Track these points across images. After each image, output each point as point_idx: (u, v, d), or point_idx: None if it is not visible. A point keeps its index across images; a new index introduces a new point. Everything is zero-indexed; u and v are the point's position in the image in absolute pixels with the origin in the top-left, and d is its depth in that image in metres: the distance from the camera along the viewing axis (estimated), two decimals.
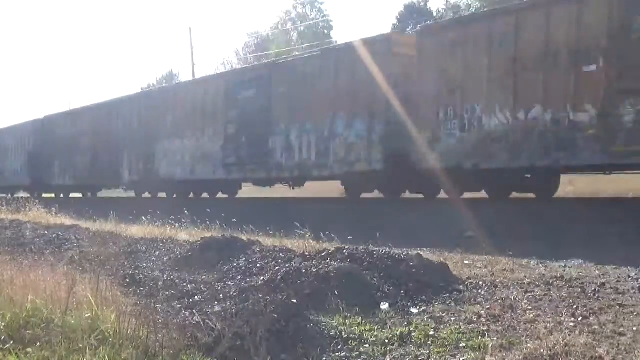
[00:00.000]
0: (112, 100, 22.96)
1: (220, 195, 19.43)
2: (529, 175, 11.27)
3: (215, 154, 16.98)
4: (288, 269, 5.49)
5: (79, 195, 25.57)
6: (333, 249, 6.39)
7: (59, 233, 10.73)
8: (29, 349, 3.77)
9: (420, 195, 13.42)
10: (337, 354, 3.87)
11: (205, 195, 19.44)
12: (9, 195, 26.95)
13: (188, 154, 18.14)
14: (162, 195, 20.68)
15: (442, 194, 12.82)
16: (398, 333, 4.15)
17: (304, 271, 5.36)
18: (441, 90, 11.50)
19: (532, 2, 10.43)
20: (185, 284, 5.84)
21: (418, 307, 4.84)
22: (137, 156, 20.46)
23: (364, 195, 15.05)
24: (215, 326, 3.98)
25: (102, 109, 22.72)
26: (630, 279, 5.72)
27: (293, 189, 16.25)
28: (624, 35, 9.06)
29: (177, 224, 10.41)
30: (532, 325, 4.18)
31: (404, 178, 12.80)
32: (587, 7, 9.48)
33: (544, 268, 6.44)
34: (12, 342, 3.89)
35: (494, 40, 10.67)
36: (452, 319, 4.50)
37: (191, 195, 19.53)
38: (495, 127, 10.62)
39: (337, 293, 4.90)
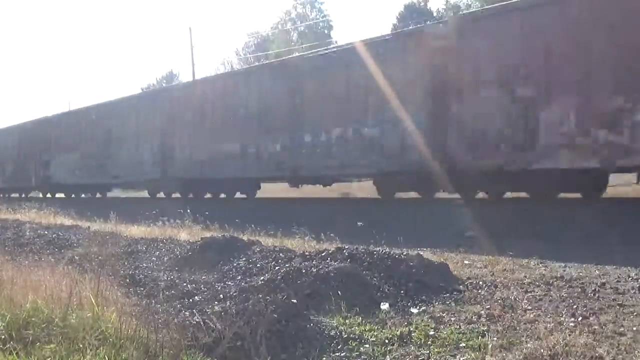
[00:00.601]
0: (28, 123, 29.71)
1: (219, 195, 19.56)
2: None
3: None
4: (288, 269, 5.49)
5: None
6: (333, 249, 6.40)
7: (59, 233, 10.73)
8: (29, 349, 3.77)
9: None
10: (337, 354, 3.88)
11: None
12: None
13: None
14: (162, 195, 20.98)
15: (442, 194, 12.81)
16: (398, 333, 4.15)
17: (304, 271, 5.36)
18: None
19: None
20: (185, 284, 5.83)
21: (418, 307, 4.84)
22: (38, 165, 26.92)
23: (364, 195, 15.06)
24: (215, 326, 3.98)
25: (24, 128, 29.36)
26: (630, 279, 5.73)
27: None
28: None
29: (172, 223, 10.42)
30: (532, 325, 4.18)
31: None
32: None
33: (544, 268, 6.45)
34: (12, 342, 3.89)
35: None
36: (452, 319, 4.50)
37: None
38: None
39: (337, 293, 4.90)
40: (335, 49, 16.89)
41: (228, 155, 16.52)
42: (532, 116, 10.29)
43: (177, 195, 19.68)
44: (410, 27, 14.64)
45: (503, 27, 10.73)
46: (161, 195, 20.83)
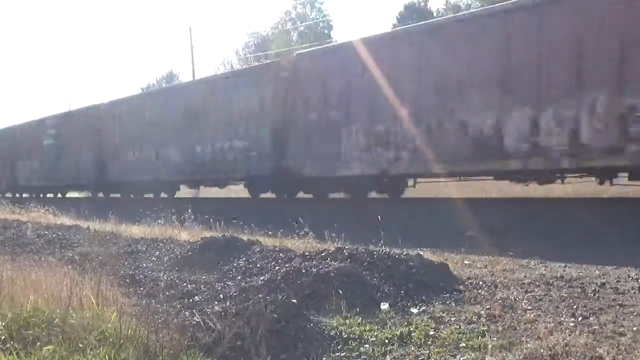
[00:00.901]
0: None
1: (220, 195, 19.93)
2: None
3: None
4: (288, 269, 5.49)
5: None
6: (333, 249, 6.40)
7: (59, 233, 10.74)
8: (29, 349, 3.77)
9: (420, 195, 13.42)
10: (337, 354, 3.88)
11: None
12: None
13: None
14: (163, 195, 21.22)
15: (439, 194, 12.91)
16: (398, 333, 4.15)
17: (304, 271, 5.36)
18: None
19: None
20: (185, 284, 5.84)
21: (418, 307, 4.84)
22: (7, 170, 30.15)
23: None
24: (215, 326, 3.98)
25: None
26: (630, 279, 5.73)
27: None
28: None
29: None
30: (532, 325, 4.19)
31: None
32: None
33: (544, 268, 6.45)
34: (12, 342, 3.89)
35: None
36: (452, 319, 4.50)
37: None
38: None
39: (337, 293, 4.90)
40: (225, 76, 21.12)
41: (146, 161, 20.03)
42: (337, 135, 13.43)
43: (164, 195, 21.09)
44: (263, 63, 19.30)
45: (322, 64, 14.18)
46: (150, 195, 21.79)
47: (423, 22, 15.41)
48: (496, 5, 11.52)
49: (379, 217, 7.78)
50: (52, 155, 25.80)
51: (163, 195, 20.68)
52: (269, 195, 16.85)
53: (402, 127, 12.03)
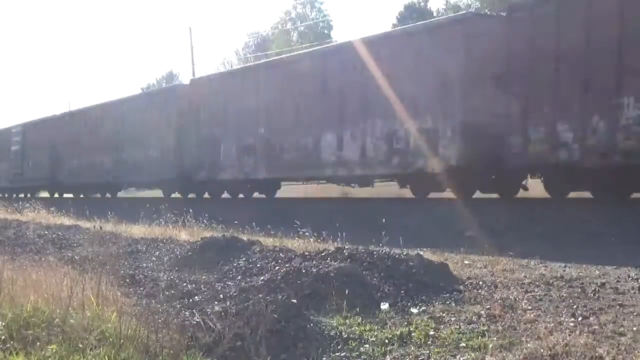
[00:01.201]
0: None
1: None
2: None
3: None
4: (288, 269, 5.49)
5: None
6: (333, 249, 6.40)
7: (59, 233, 10.74)
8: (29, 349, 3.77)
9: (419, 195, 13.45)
10: (337, 354, 3.88)
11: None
12: None
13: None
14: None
15: (439, 194, 12.89)
16: (398, 333, 4.15)
17: (304, 271, 5.36)
18: None
19: None
20: (185, 284, 5.84)
21: (418, 307, 4.84)
22: None
23: (365, 194, 15.15)
24: (215, 326, 3.98)
25: None
26: (630, 279, 5.73)
27: None
28: None
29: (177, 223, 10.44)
30: (532, 325, 4.18)
31: None
32: None
33: (544, 268, 6.45)
34: (12, 342, 3.89)
35: None
36: (452, 319, 4.50)
37: None
38: None
39: (337, 293, 4.90)
40: (141, 96, 25.87)
41: (92, 166, 23.95)
42: (218, 147, 17.49)
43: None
44: (169, 85, 23.31)
45: (207, 90, 18.39)
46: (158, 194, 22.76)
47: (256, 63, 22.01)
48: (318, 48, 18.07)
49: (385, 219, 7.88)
50: (19, 159, 30.33)
51: (108, 195, 25.29)
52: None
53: (260, 143, 16.09)
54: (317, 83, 14.38)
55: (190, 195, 20.22)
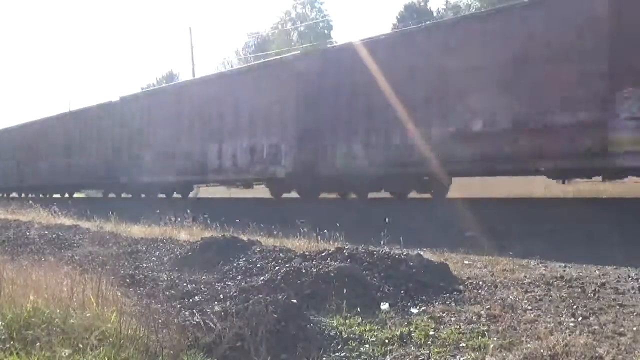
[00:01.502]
0: None
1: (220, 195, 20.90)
2: None
3: None
4: (288, 269, 5.49)
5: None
6: (333, 249, 6.40)
7: (59, 233, 10.73)
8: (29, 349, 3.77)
9: (419, 195, 13.49)
10: (337, 354, 3.88)
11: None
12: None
13: None
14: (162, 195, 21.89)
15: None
16: (398, 333, 4.15)
17: (304, 271, 5.36)
18: None
19: None
20: (185, 284, 5.84)
21: (418, 307, 4.84)
22: None
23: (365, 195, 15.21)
24: (215, 326, 3.98)
25: None
26: (630, 279, 5.73)
27: None
28: None
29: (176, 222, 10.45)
30: (532, 325, 4.19)
31: None
32: None
33: (544, 268, 6.45)
34: (12, 342, 3.89)
35: None
36: (452, 319, 4.50)
37: None
38: None
39: (337, 293, 4.90)
40: (94, 108, 26.79)
41: (52, 170, 27.71)
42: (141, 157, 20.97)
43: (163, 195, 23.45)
44: (108, 102, 24.92)
45: (134, 106, 21.92)
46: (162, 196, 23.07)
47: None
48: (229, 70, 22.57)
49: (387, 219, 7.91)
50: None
51: (74, 195, 28.99)
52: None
53: (180, 151, 19.03)
54: (202, 107, 18.36)
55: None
